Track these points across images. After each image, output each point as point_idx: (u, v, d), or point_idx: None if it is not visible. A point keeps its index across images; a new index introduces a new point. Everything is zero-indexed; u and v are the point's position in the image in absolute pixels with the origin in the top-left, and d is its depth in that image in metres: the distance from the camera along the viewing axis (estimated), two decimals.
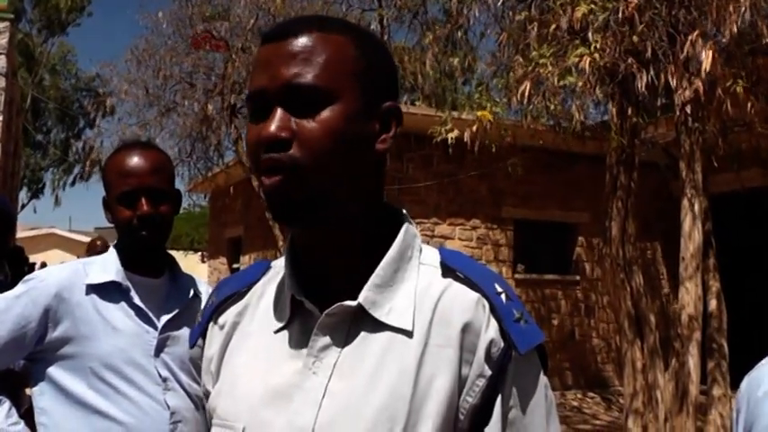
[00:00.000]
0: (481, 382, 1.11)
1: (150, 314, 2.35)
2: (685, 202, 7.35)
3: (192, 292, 2.47)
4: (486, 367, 1.11)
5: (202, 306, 1.29)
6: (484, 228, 12.83)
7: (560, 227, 13.56)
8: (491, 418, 1.11)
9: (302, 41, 1.10)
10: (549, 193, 13.12)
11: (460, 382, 1.11)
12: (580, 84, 6.28)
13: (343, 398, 1.09)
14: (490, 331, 1.12)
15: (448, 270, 1.18)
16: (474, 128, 7.15)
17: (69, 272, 2.35)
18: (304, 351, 1.14)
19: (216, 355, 1.28)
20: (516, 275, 12.87)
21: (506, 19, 8.45)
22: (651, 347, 7.84)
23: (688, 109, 7.13)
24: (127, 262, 2.39)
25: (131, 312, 2.33)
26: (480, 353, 1.11)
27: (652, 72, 6.40)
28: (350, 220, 1.15)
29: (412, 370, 1.09)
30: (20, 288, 2.31)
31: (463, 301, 1.14)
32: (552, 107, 7.08)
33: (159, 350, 2.32)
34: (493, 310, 1.13)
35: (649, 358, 7.85)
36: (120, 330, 2.29)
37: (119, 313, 2.32)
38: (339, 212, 1.13)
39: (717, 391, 7.50)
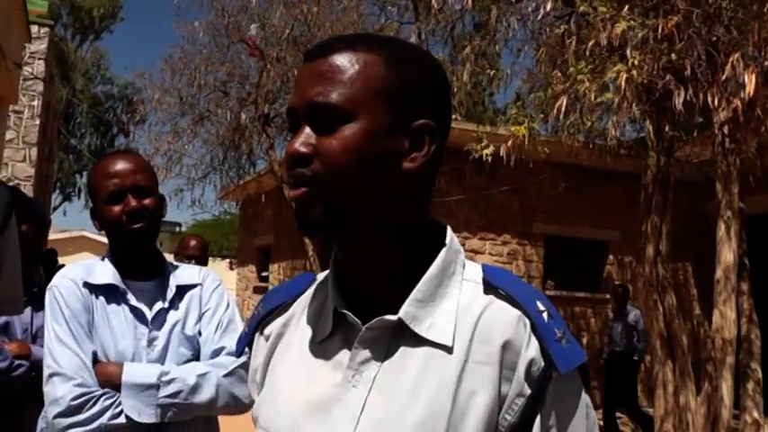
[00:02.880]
0: (520, 401, 1.10)
1: (146, 314, 2.47)
2: (721, 224, 7.27)
3: (174, 288, 2.56)
4: (526, 386, 1.10)
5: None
6: (515, 243, 12.76)
7: (591, 244, 13.45)
8: None
9: (331, 60, 1.13)
10: (580, 209, 13.03)
11: (500, 399, 1.10)
12: (617, 100, 6.23)
13: (382, 412, 1.10)
14: (531, 350, 1.11)
15: (490, 287, 1.17)
16: (509, 143, 7.11)
17: (83, 272, 2.50)
18: (344, 364, 1.15)
19: (261, 365, 1.31)
20: (546, 292, 12.78)
21: (543, 34, 8.41)
22: (683, 369, 7.74)
23: (726, 129, 7.07)
24: (120, 267, 2.51)
25: (129, 314, 2.46)
26: (520, 371, 1.11)
27: (690, 90, 6.34)
28: (383, 235, 1.16)
29: (451, 385, 1.09)
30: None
31: (504, 319, 1.13)
32: (588, 124, 7.03)
33: (151, 346, 2.45)
34: (534, 329, 1.13)
35: (681, 380, 7.75)
36: (116, 330, 2.43)
37: (117, 313, 2.45)
38: (365, 228, 1.14)
39: (749, 417, 7.39)
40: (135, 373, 2.33)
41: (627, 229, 12.90)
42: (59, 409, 2.25)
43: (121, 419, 2.27)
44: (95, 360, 2.36)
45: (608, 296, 13.43)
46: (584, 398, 1.17)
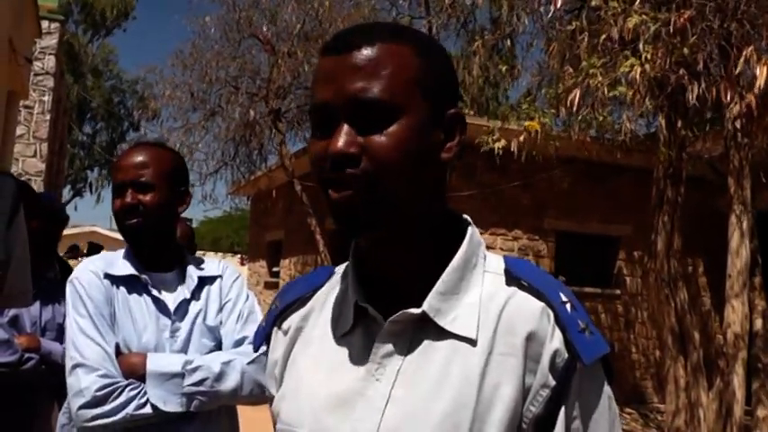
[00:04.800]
0: (545, 393, 1.10)
1: (168, 305, 2.47)
2: (733, 219, 7.25)
3: (196, 279, 2.56)
4: (551, 377, 1.10)
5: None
6: (525, 239, 12.73)
7: (602, 240, 13.41)
8: (554, 428, 1.10)
9: (366, 53, 1.09)
10: (591, 205, 12.99)
11: (524, 391, 1.09)
12: (630, 94, 6.20)
13: (407, 405, 1.09)
14: (555, 341, 1.10)
15: (512, 278, 1.16)
16: (521, 138, 7.09)
17: (103, 263, 2.50)
18: (367, 358, 1.14)
19: (280, 359, 1.29)
20: None
21: (554, 29, 8.39)
22: (695, 365, 7.72)
23: (738, 124, 7.04)
24: (140, 258, 2.52)
25: (151, 305, 2.46)
26: (545, 363, 1.10)
27: (702, 85, 6.31)
28: (416, 228, 1.15)
29: (476, 378, 1.08)
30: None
31: (528, 311, 1.12)
32: (600, 118, 7.00)
33: (173, 337, 2.45)
34: (557, 320, 1.12)
35: (692, 376, 7.73)
36: (138, 321, 2.42)
37: (139, 305, 2.45)
38: (407, 223, 1.13)
39: (762, 412, 7.36)
40: (159, 362, 2.33)
41: (638, 224, 12.85)
42: (84, 401, 2.24)
43: (147, 409, 2.26)
44: (118, 351, 2.36)
45: (619, 292, 13.41)
46: (607, 389, 1.16)
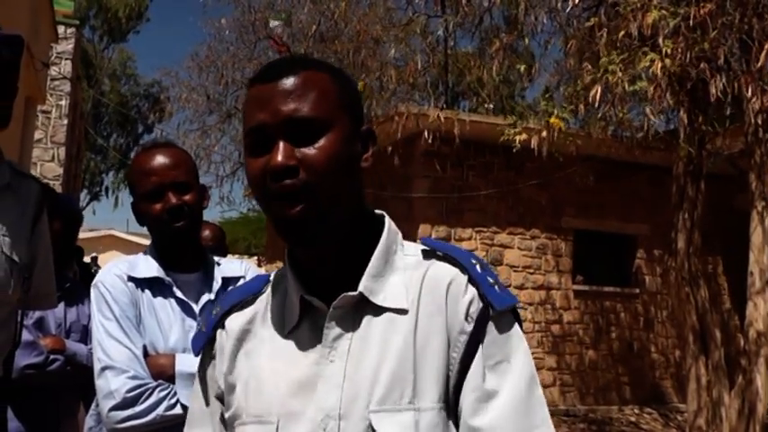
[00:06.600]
0: (463, 338, 1.26)
1: (193, 307, 2.48)
2: (755, 215, 7.19)
3: (220, 280, 2.58)
4: (467, 324, 1.27)
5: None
6: (543, 237, 12.67)
7: (620, 238, 13.34)
8: (472, 364, 1.26)
9: (293, 80, 1.27)
10: (609, 203, 12.93)
11: (449, 341, 1.27)
12: (651, 89, 6.16)
13: (360, 376, 1.25)
14: (468, 294, 1.28)
15: (429, 252, 1.36)
16: (543, 134, 7.06)
17: (126, 266, 2.50)
18: (318, 344, 1.30)
19: (227, 359, 1.40)
20: (575, 286, 12.70)
21: (571, 27, 8.35)
22: (716, 363, 7.67)
23: (760, 119, 6.98)
24: (163, 260, 2.52)
25: (176, 307, 2.47)
26: (461, 313, 1.27)
27: (723, 80, 6.26)
28: (348, 228, 1.31)
29: (410, 339, 1.26)
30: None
31: (445, 274, 1.31)
32: (620, 115, 6.96)
33: None
34: (471, 279, 1.29)
35: (714, 375, 7.68)
36: (163, 323, 2.43)
37: (164, 306, 2.46)
38: (343, 225, 1.29)
39: None
40: (188, 362, 2.32)
41: (656, 222, 12.79)
42: (114, 402, 2.24)
43: (178, 410, 2.27)
44: (145, 353, 2.36)
45: (638, 291, 13.34)
46: (519, 331, 1.32)
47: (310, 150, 1.23)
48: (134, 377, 2.27)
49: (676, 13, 6.06)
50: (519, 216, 12.44)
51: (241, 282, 2.58)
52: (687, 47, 6.08)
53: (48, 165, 14.21)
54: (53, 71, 13.81)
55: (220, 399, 1.41)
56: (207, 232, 5.10)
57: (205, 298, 2.51)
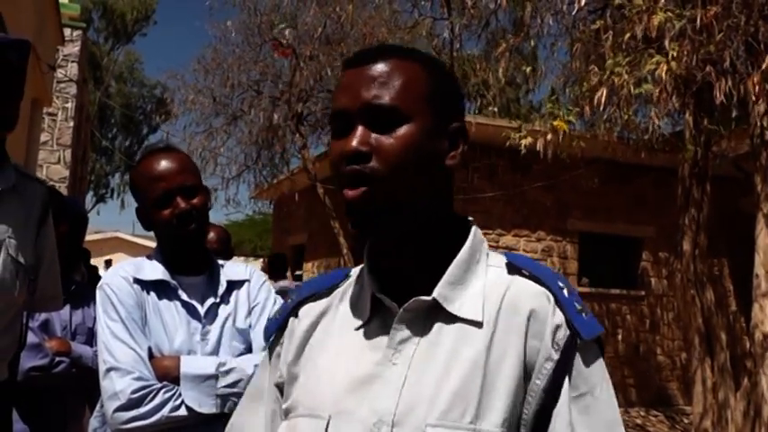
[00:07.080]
0: (549, 366, 1.20)
1: (198, 309, 2.48)
2: (760, 217, 7.18)
3: (225, 284, 2.58)
4: (553, 352, 1.21)
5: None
6: (549, 239, 12.67)
7: (626, 240, 13.34)
8: (559, 397, 1.20)
9: (380, 66, 1.25)
10: (614, 205, 12.93)
11: (529, 366, 1.21)
12: (656, 92, 6.16)
13: (422, 385, 1.19)
14: (555, 319, 1.22)
15: (514, 268, 1.30)
16: (548, 137, 7.06)
17: (132, 269, 2.51)
18: (384, 344, 1.25)
19: (294, 348, 1.38)
20: (580, 289, 12.68)
21: (577, 29, 8.35)
22: (722, 366, 7.66)
23: (765, 121, 6.97)
24: (169, 263, 2.52)
25: (181, 309, 2.47)
26: (547, 338, 1.21)
27: (729, 82, 6.26)
28: (423, 226, 1.27)
29: (482, 356, 1.20)
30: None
31: (529, 293, 1.25)
32: (626, 117, 6.96)
33: (204, 340, 2.47)
34: (557, 302, 1.24)
35: (720, 377, 7.67)
36: (169, 325, 2.44)
37: (169, 309, 2.47)
38: (413, 220, 1.25)
39: None
40: (193, 364, 2.35)
41: (661, 224, 12.79)
42: (119, 403, 2.24)
43: (182, 411, 2.28)
44: (150, 355, 2.37)
45: (644, 293, 13.32)
46: (602, 362, 1.27)
47: (386, 139, 1.21)
48: (139, 378, 2.27)
49: (682, 15, 6.06)
50: (524, 218, 12.45)
51: (245, 285, 2.62)
52: (693, 49, 6.08)
53: (54, 167, 14.24)
54: (59, 74, 13.84)
55: (279, 387, 1.39)
56: (212, 234, 5.08)
57: (210, 301, 2.51)
